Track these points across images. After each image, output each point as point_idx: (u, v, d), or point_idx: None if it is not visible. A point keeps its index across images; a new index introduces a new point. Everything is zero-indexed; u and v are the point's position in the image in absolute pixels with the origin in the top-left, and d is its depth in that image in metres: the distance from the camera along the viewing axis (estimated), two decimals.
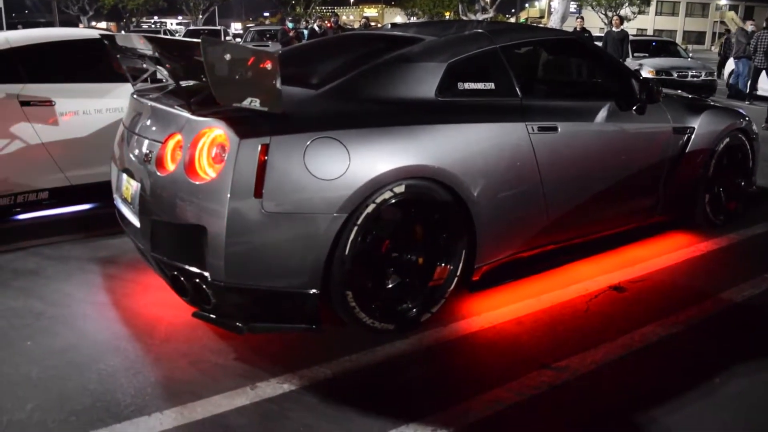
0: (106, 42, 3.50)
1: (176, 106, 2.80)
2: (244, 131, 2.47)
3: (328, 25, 18.66)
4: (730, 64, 14.17)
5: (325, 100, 2.83)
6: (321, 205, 2.56)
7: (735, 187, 4.67)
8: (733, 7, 61.65)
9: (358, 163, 2.63)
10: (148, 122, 3.00)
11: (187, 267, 2.60)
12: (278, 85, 2.48)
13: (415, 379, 2.64)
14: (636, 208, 4.04)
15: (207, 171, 2.56)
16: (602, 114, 3.66)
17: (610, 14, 36.61)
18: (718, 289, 3.59)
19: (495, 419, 2.39)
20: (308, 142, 2.56)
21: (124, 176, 3.13)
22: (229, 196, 2.44)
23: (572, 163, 3.47)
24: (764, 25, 12.38)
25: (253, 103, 2.45)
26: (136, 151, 2.98)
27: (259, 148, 2.47)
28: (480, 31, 3.50)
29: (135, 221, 2.94)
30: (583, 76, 4.14)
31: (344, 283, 2.70)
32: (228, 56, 2.36)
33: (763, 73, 11.72)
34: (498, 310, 3.24)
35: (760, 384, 2.69)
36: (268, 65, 2.44)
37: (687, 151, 4.18)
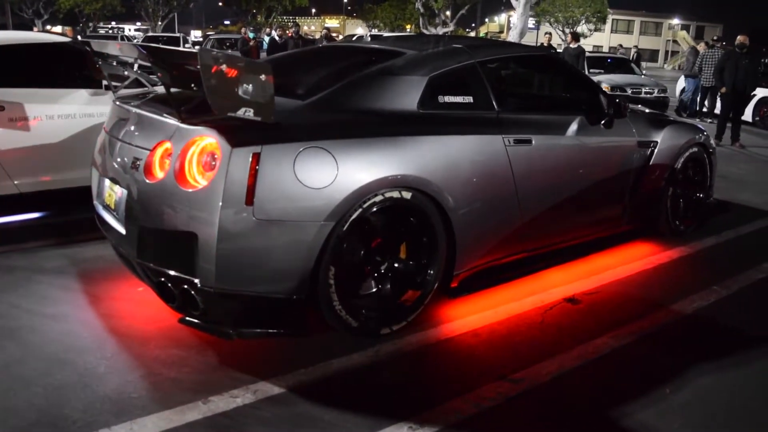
0: (87, 48, 3.49)
1: (165, 114, 2.81)
2: (236, 140, 2.51)
3: (289, 34, 18.60)
4: (681, 82, 14.64)
5: (312, 111, 2.89)
6: (310, 212, 2.62)
7: (695, 198, 4.90)
8: (684, 27, 63.87)
9: (345, 173, 2.70)
10: (134, 129, 3.00)
11: (175, 273, 2.61)
12: (272, 96, 2.53)
13: (372, 392, 2.63)
14: (604, 217, 4.21)
15: (197, 179, 2.58)
16: (573, 127, 3.82)
17: (567, 30, 37.48)
18: (669, 301, 3.68)
19: (453, 431, 2.39)
20: (298, 152, 2.62)
21: (107, 182, 3.12)
22: (220, 203, 2.48)
23: (545, 175, 3.61)
24: (709, 43, 12.85)
25: (247, 113, 2.49)
26: (122, 158, 2.98)
27: (251, 156, 2.50)
28: (459, 46, 3.63)
29: (119, 228, 2.94)
30: (554, 90, 4.32)
31: (331, 289, 2.76)
32: (224, 67, 2.39)
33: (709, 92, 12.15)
34: (454, 322, 3.26)
35: (707, 393, 2.76)
36: (263, 76, 2.48)
37: (651, 163, 4.39)
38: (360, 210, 2.78)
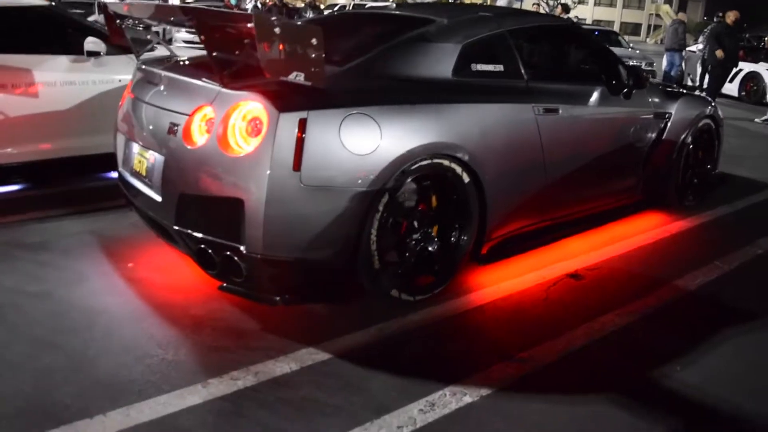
0: (111, 12, 3.33)
1: (203, 78, 2.75)
2: (283, 105, 2.47)
3: (270, 2, 18.15)
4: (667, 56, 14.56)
5: (352, 77, 2.87)
6: (355, 179, 2.61)
7: (703, 170, 4.95)
8: (667, 1, 63.71)
9: (388, 139, 2.68)
10: (169, 94, 2.95)
11: (218, 240, 2.59)
12: (322, 60, 2.47)
13: (375, 375, 2.52)
14: (621, 186, 4.27)
15: (241, 144, 2.54)
16: (596, 97, 3.86)
17: (551, 3, 37.19)
18: (672, 277, 3.63)
19: (462, 413, 2.31)
20: (343, 117, 2.59)
21: (135, 148, 3.08)
22: (268, 169, 2.44)
23: (570, 144, 3.65)
24: (714, 19, 12.72)
25: (298, 77, 2.44)
26: (155, 124, 2.93)
27: (298, 122, 2.47)
28: (488, 14, 3.62)
29: (153, 195, 2.90)
30: (577, 60, 4.27)
31: (373, 255, 2.76)
32: (278, 30, 2.33)
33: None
34: (458, 298, 3.16)
35: (716, 372, 2.70)
36: (314, 40, 2.42)
37: (665, 134, 4.44)
38: (401, 177, 2.76)
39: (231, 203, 2.51)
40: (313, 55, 2.44)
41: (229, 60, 2.67)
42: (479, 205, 3.14)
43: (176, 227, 2.74)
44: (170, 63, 3.27)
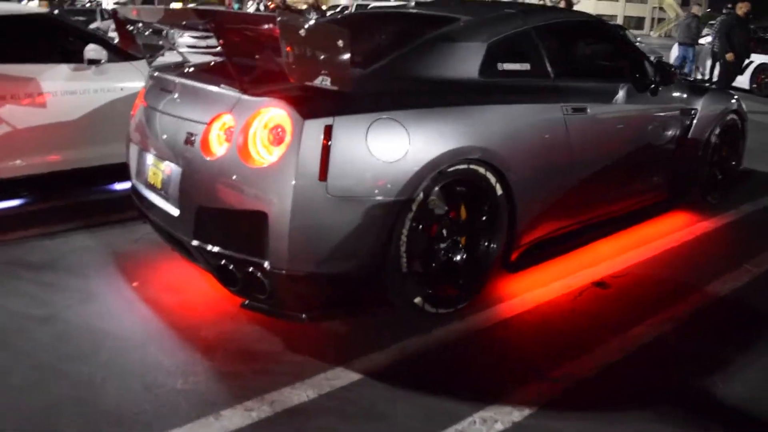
0: (121, 17, 3.20)
1: (221, 85, 2.62)
2: (308, 111, 2.35)
3: (271, 5, 18.03)
4: (675, 50, 14.34)
5: (377, 80, 2.74)
6: (383, 188, 2.50)
7: (728, 166, 4.82)
8: None
9: (417, 145, 2.56)
10: (184, 101, 2.82)
11: (240, 255, 2.47)
12: (348, 63, 2.36)
13: (399, 400, 2.37)
14: (648, 186, 4.14)
15: (263, 154, 2.41)
16: (622, 95, 3.72)
17: None
18: (701, 282, 3.47)
19: None
20: (370, 123, 2.47)
21: (150, 159, 2.97)
22: (293, 180, 2.31)
23: (598, 143, 3.53)
24: (724, 11, 12.50)
25: (324, 81, 2.31)
26: (170, 133, 2.80)
27: (323, 129, 2.34)
28: (513, 11, 3.48)
29: (169, 208, 2.77)
30: (603, 57, 4.14)
31: (401, 266, 2.64)
32: (303, 32, 2.20)
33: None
34: (482, 312, 3.01)
35: (759, 383, 2.54)
36: (340, 42, 2.28)
37: (691, 130, 4.30)
38: (430, 184, 2.64)
39: (253, 217, 2.38)
40: (340, 58, 2.30)
41: (250, 65, 2.54)
42: (509, 210, 3.01)
43: (195, 242, 2.61)
44: (184, 69, 3.15)
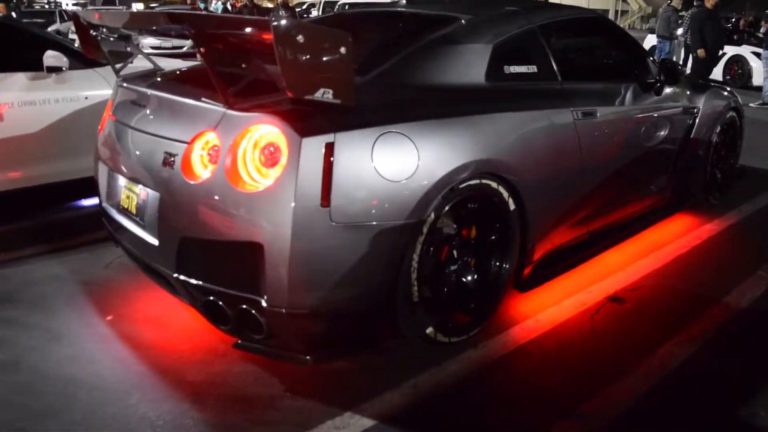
0: (83, 22, 2.82)
1: (203, 99, 2.31)
2: (305, 128, 2.06)
3: (237, 4, 17.55)
4: (651, 42, 14.30)
5: (378, 89, 2.45)
6: (393, 210, 2.22)
7: (726, 165, 4.67)
8: None
9: (427, 161, 2.29)
10: (160, 117, 2.51)
11: (231, 291, 2.18)
12: (352, 73, 2.06)
13: None
14: (654, 190, 3.95)
15: (255, 177, 2.12)
16: (629, 95, 3.52)
17: None
18: (718, 293, 3.28)
19: None
20: (375, 138, 2.19)
21: (122, 182, 2.66)
22: (293, 206, 2.02)
23: (608, 148, 3.33)
24: (694, 3, 12.44)
25: (326, 94, 1.98)
26: (145, 153, 2.48)
27: (324, 147, 2.05)
28: (515, 8, 3.21)
29: (146, 237, 2.46)
30: (606, 56, 3.91)
31: (413, 295, 2.39)
32: (301, 38, 1.87)
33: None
34: (495, 337, 2.75)
35: None
36: (343, 49, 1.95)
37: (693, 130, 4.11)
38: (441, 203, 2.37)
39: (246, 248, 2.09)
40: (342, 68, 1.99)
41: (234, 75, 2.21)
42: (521, 226, 2.77)
43: (177, 276, 2.30)
44: (157, 79, 2.82)
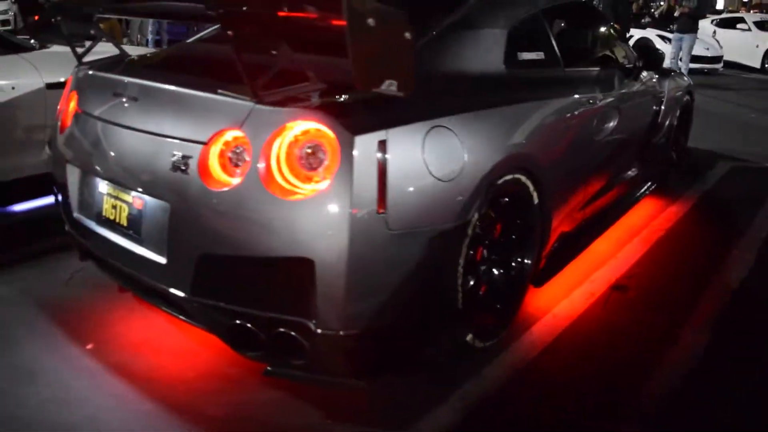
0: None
1: (219, 90, 1.95)
2: (356, 124, 1.79)
3: None
4: None
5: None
6: (444, 213, 2.03)
7: (680, 146, 4.84)
8: None
9: (472, 157, 2.10)
10: (160, 112, 2.11)
11: (266, 314, 1.88)
12: (413, 62, 1.76)
13: None
14: (636, 173, 3.95)
15: (296, 183, 1.82)
16: (617, 80, 3.47)
17: None
18: (710, 274, 3.37)
19: None
20: (425, 134, 1.96)
21: (104, 187, 2.26)
22: (349, 214, 1.76)
23: (605, 135, 3.26)
24: None
25: (390, 86, 1.68)
26: (141, 155, 2.10)
27: (377, 145, 1.80)
28: None
29: (146, 254, 2.09)
30: (595, 41, 3.80)
31: (458, 293, 2.17)
32: (371, 22, 1.56)
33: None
34: (521, 338, 2.60)
35: None
36: (407, 34, 1.66)
37: (661, 114, 4.14)
38: (484, 201, 2.19)
39: (290, 264, 1.80)
40: (407, 56, 1.73)
41: (257, 63, 1.87)
42: (541, 219, 2.64)
43: (194, 298, 1.97)
44: (150, 67, 2.45)
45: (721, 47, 13.06)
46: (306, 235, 1.78)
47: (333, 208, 1.77)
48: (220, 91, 1.94)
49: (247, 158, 1.86)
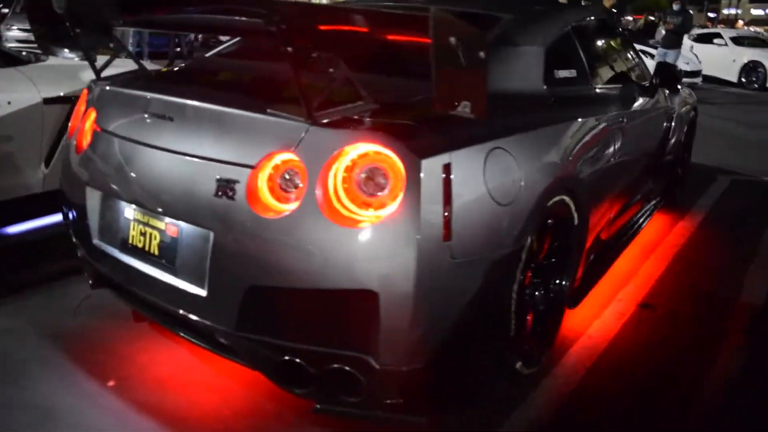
0: (59, 9, 2.11)
1: (269, 110, 1.81)
2: (420, 147, 1.70)
3: None
4: None
5: None
6: (503, 238, 1.95)
7: (685, 162, 4.83)
8: None
9: (527, 179, 2.03)
10: (202, 133, 1.95)
11: (321, 349, 1.77)
12: (486, 82, 1.69)
13: None
14: (651, 189, 3.94)
15: (352, 209, 1.71)
16: (638, 98, 3.42)
17: None
18: (730, 291, 3.37)
19: None
20: (486, 156, 1.89)
21: (129, 213, 2.12)
22: (417, 243, 1.66)
23: (631, 153, 3.22)
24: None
25: (465, 108, 1.61)
26: (177, 179, 1.97)
27: (442, 169, 1.71)
28: (546, 8, 3.04)
29: (181, 285, 1.95)
30: (615, 58, 3.72)
31: (510, 329, 2.10)
32: (453, 40, 1.45)
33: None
34: (561, 363, 2.53)
35: None
36: (481, 54, 1.55)
37: (671, 130, 4.10)
38: (536, 225, 2.12)
39: (350, 297, 1.70)
40: (482, 76, 1.64)
41: (312, 82, 1.75)
42: (578, 239, 2.59)
43: (238, 333, 1.83)
44: (185, 84, 2.30)
45: (699, 62, 13.29)
46: (368, 265, 1.68)
47: (399, 236, 1.66)
48: (269, 110, 1.82)
49: (300, 183, 1.75)
